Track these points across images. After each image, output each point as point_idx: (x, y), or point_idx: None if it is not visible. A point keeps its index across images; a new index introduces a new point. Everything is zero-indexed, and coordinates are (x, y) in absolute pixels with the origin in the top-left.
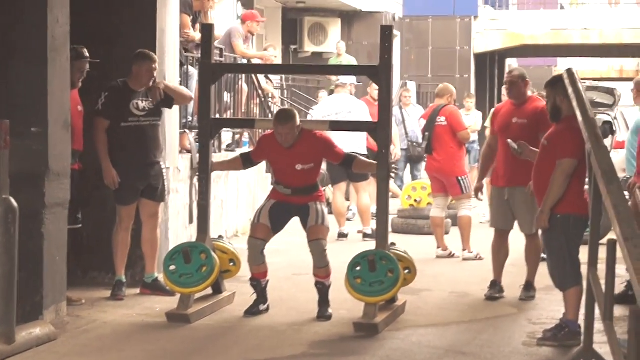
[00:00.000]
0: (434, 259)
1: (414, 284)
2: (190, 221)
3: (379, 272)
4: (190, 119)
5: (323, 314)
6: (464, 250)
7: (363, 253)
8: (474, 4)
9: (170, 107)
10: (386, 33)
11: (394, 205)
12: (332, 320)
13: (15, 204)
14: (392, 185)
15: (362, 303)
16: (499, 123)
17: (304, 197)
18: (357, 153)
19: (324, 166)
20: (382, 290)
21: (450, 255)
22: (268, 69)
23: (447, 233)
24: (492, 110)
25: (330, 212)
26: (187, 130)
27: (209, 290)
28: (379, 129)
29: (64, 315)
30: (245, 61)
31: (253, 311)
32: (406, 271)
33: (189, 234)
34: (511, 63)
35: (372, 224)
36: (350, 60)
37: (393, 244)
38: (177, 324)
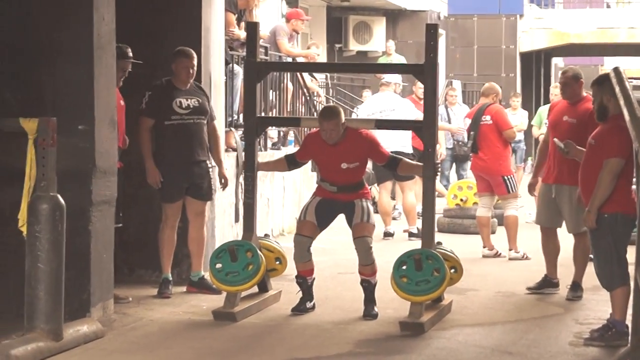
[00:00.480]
0: (480, 259)
1: (460, 284)
2: (236, 220)
3: (425, 271)
4: (235, 117)
5: (369, 313)
6: (510, 249)
7: (409, 252)
8: (519, 2)
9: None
10: (431, 31)
11: (440, 205)
12: (378, 319)
13: (62, 201)
14: (438, 184)
15: (408, 302)
16: (550, 120)
17: (349, 195)
18: (403, 152)
19: (369, 165)
20: (428, 290)
21: (497, 255)
22: (314, 67)
23: (493, 232)
24: (547, 106)
25: (376, 211)
26: (232, 129)
27: (255, 289)
28: (425, 128)
29: (111, 313)
30: (290, 59)
31: (300, 309)
32: (452, 270)
33: (235, 232)
34: (557, 62)
35: (418, 223)
36: (399, 60)
37: (439, 243)
38: (223, 322)
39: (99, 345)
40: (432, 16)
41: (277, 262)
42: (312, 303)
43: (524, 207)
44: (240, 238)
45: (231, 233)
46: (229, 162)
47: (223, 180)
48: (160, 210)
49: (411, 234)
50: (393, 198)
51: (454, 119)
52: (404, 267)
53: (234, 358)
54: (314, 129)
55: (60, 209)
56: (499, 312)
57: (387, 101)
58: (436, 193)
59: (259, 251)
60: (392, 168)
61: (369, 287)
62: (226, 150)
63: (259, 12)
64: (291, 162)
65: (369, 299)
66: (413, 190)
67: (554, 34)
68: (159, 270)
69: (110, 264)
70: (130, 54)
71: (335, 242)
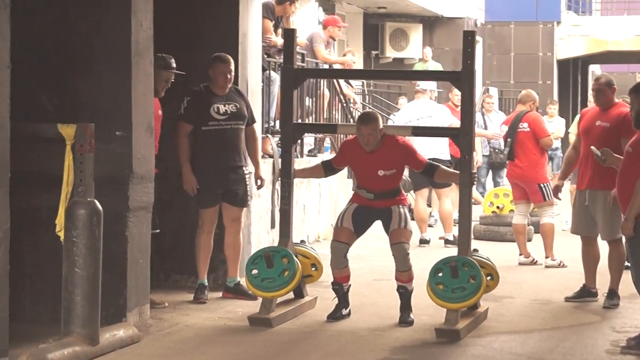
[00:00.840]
0: (516, 266)
1: (496, 291)
2: (272, 226)
3: (461, 278)
4: (272, 123)
5: (405, 320)
6: (546, 257)
7: (445, 259)
8: (556, 9)
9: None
10: (469, 38)
11: (476, 212)
12: (414, 326)
13: (99, 206)
14: (474, 191)
15: (444, 309)
16: (582, 125)
17: (386, 201)
18: (440, 159)
19: (405, 172)
20: (464, 297)
21: (533, 263)
22: (350, 74)
23: (529, 240)
24: (579, 114)
25: (412, 218)
26: (269, 135)
27: (291, 295)
28: (462, 135)
29: (147, 318)
30: (327, 66)
31: (336, 316)
32: (488, 278)
33: (271, 238)
34: (594, 69)
35: (454, 230)
36: (436, 66)
37: (475, 250)
38: (258, 327)
39: (135, 350)
40: (469, 23)
41: (313, 269)
42: (347, 310)
43: (561, 214)
44: (276, 244)
45: (267, 239)
46: (265, 168)
47: (259, 182)
48: (197, 216)
49: (447, 241)
50: (429, 205)
51: (491, 126)
52: (440, 274)
53: None
54: (351, 135)
55: (97, 214)
56: (535, 320)
57: (424, 108)
58: (472, 200)
59: (295, 257)
60: (429, 175)
61: (405, 294)
62: (262, 157)
63: (295, 19)
64: (328, 168)
65: (405, 306)
66: (450, 197)
67: (591, 41)
68: (195, 275)
69: (146, 269)
70: (174, 65)
71: (371, 248)
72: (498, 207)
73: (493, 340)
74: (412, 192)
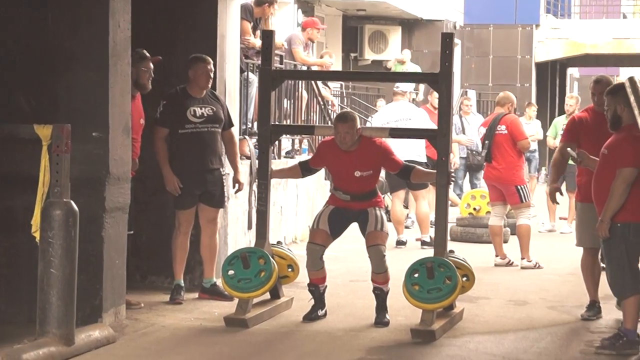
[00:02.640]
0: (492, 267)
1: (472, 292)
2: (249, 227)
3: (437, 279)
4: (249, 125)
5: (381, 320)
6: (522, 259)
7: (421, 260)
8: (535, 12)
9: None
10: (447, 40)
11: (453, 214)
12: (390, 327)
13: (75, 207)
14: (451, 193)
15: (419, 310)
16: (588, 132)
17: (362, 203)
18: (417, 161)
19: (382, 174)
20: (439, 297)
21: (509, 264)
22: (329, 75)
23: (506, 242)
24: (562, 117)
25: (389, 220)
26: (246, 137)
27: (267, 296)
28: (439, 136)
29: (123, 319)
30: (305, 68)
31: (311, 316)
32: (464, 279)
33: (248, 239)
34: (572, 72)
35: (431, 232)
36: (415, 69)
37: (452, 251)
38: (234, 328)
39: (110, 351)
40: (448, 26)
41: (290, 269)
42: (323, 311)
43: (537, 216)
44: (252, 245)
45: (244, 240)
46: (243, 169)
47: (238, 185)
48: (174, 217)
49: (424, 243)
50: (406, 207)
51: (468, 129)
52: (416, 275)
53: None
54: (328, 137)
55: (73, 215)
56: (511, 321)
57: (402, 110)
58: (449, 202)
59: (271, 258)
60: (406, 176)
61: (381, 295)
62: (240, 158)
63: (274, 21)
64: (305, 169)
65: (381, 307)
66: (426, 199)
67: (569, 44)
68: (171, 276)
69: (122, 270)
70: (147, 54)
71: (347, 250)
72: (475, 209)
73: (468, 341)
74: (388, 194)
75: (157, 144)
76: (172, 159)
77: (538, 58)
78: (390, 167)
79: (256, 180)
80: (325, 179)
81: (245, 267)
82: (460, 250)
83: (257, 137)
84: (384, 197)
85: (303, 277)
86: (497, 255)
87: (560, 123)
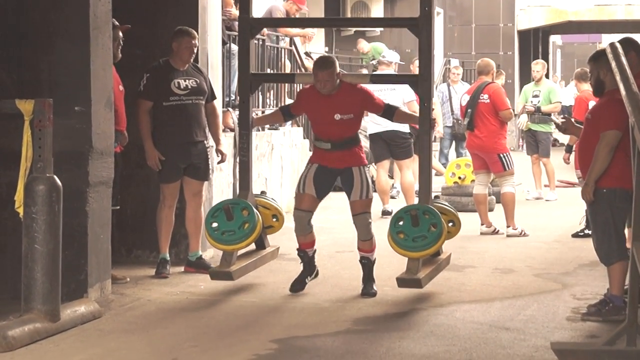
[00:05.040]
0: (478, 236)
1: (458, 261)
2: None
3: (422, 227)
4: (233, 97)
5: (368, 291)
6: (507, 226)
7: (406, 207)
8: None
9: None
10: None
11: (438, 183)
12: (376, 297)
13: (59, 182)
14: (436, 162)
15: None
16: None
17: (344, 153)
18: (399, 131)
19: (367, 144)
20: (425, 245)
21: (495, 232)
22: (306, 22)
23: (491, 210)
24: (531, 84)
25: (374, 190)
26: (230, 109)
27: (253, 246)
28: (421, 81)
29: (109, 293)
30: (287, 39)
31: (298, 286)
32: (450, 224)
33: None
34: (555, 40)
35: (416, 201)
36: (393, 56)
37: (437, 196)
38: (220, 300)
39: (97, 326)
40: None
41: (274, 219)
42: (312, 276)
43: (522, 184)
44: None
45: None
46: (227, 142)
47: (221, 156)
48: (158, 190)
49: None
50: (391, 177)
51: (455, 97)
52: (401, 223)
53: (232, 337)
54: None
55: (56, 190)
56: (497, 289)
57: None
58: (434, 171)
59: (254, 209)
60: (389, 116)
61: (367, 264)
62: (224, 131)
63: None
64: (286, 114)
65: (368, 277)
66: (411, 168)
67: (551, 12)
68: (156, 250)
69: (107, 245)
70: (116, 22)
71: (333, 220)
72: (460, 178)
73: (455, 310)
74: (373, 164)
75: (140, 117)
76: (155, 131)
77: (520, 26)
78: (373, 108)
79: (240, 154)
80: (310, 150)
81: (228, 219)
82: None
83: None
84: (369, 168)
85: (289, 248)
86: (482, 224)
87: (529, 90)
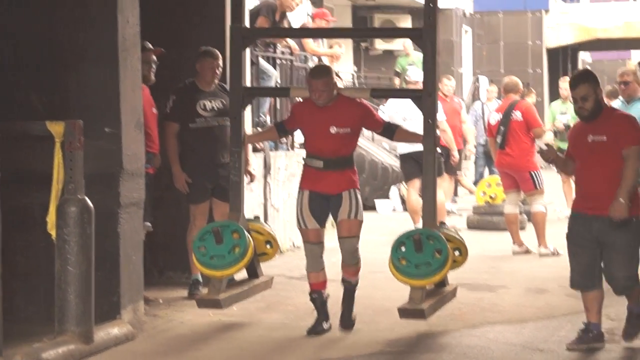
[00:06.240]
0: (510, 256)
1: (491, 281)
2: (265, 220)
3: (426, 253)
4: (262, 117)
5: (346, 325)
6: (539, 246)
7: (408, 232)
8: None
9: None
10: None
11: (469, 202)
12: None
13: (90, 204)
14: (467, 181)
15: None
16: None
17: (337, 177)
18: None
19: (396, 162)
20: (429, 273)
21: (527, 252)
22: (306, 33)
23: (522, 229)
24: (558, 101)
25: (405, 209)
26: (259, 129)
27: (245, 275)
28: (425, 96)
29: (142, 315)
30: (315, 59)
31: (317, 330)
32: (456, 253)
33: None
34: (584, 57)
35: (448, 221)
36: (419, 57)
37: (442, 223)
38: (253, 324)
39: (130, 348)
40: (458, 13)
41: (268, 246)
42: (328, 324)
43: (553, 203)
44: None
45: None
46: (257, 162)
47: (250, 177)
48: (188, 212)
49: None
50: (422, 196)
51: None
52: (403, 248)
53: (264, 359)
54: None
55: (88, 211)
56: (530, 309)
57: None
58: (466, 191)
59: (246, 232)
60: (389, 135)
61: (349, 288)
62: (253, 151)
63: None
64: (281, 130)
65: (348, 303)
66: (441, 187)
67: (580, 29)
68: (188, 271)
69: (139, 266)
70: (149, 45)
71: (365, 241)
72: (491, 197)
73: (488, 331)
74: (403, 183)
75: (167, 140)
76: (183, 153)
77: (549, 43)
78: (372, 125)
79: (270, 173)
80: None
81: (217, 242)
82: (478, 239)
83: None
84: (400, 187)
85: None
86: (514, 243)
87: (557, 108)
